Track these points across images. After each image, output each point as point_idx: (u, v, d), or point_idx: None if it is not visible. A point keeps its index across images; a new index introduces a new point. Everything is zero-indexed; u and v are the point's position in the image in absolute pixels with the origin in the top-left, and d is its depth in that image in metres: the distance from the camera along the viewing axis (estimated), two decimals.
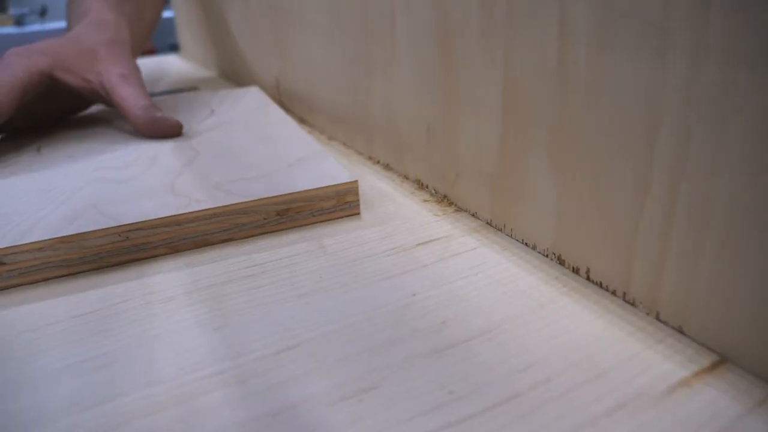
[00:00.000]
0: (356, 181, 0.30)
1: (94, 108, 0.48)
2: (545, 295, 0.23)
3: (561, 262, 0.25)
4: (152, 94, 0.48)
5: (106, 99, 0.41)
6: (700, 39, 0.17)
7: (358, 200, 0.31)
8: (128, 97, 0.40)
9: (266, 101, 0.48)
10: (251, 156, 0.34)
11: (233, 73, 0.67)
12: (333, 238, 0.28)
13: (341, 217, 0.31)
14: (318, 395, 0.18)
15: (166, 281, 0.25)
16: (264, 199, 0.28)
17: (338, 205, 0.30)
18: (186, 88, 0.62)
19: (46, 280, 0.26)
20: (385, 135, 0.36)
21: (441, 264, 0.25)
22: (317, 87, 0.45)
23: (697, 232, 0.18)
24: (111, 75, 0.41)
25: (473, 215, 0.30)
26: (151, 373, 0.20)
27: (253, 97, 0.50)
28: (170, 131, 0.39)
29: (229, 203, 0.28)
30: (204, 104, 0.48)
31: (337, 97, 0.42)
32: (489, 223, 0.29)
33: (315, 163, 0.32)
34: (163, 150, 0.37)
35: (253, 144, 0.37)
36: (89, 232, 0.26)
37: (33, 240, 0.25)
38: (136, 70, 0.43)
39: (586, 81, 0.21)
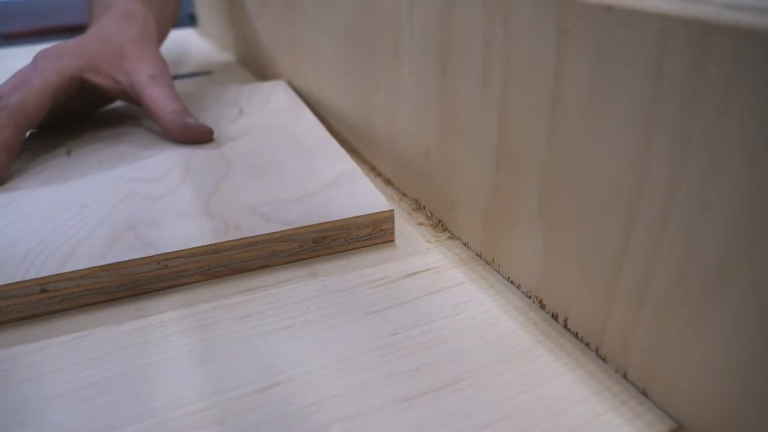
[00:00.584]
0: (392, 210, 0.30)
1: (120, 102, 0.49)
2: (522, 342, 0.24)
3: (542, 306, 0.25)
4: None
5: (135, 100, 0.42)
6: (687, 126, 0.17)
7: (393, 228, 0.31)
8: (159, 99, 0.40)
9: (295, 100, 0.48)
10: (286, 172, 0.35)
11: (250, 60, 0.67)
12: (326, 264, 0.29)
13: (376, 244, 0.31)
14: None
15: (196, 312, 0.27)
16: (302, 228, 0.29)
17: (373, 233, 0.30)
18: (200, 72, 0.63)
19: (86, 306, 0.27)
20: (387, 150, 0.37)
21: (426, 300, 0.26)
22: (325, 91, 0.45)
23: (670, 302, 0.19)
24: (140, 75, 0.41)
25: (465, 245, 0.30)
26: (140, 406, 0.21)
27: (281, 94, 0.50)
28: (202, 138, 0.40)
29: (267, 232, 0.28)
30: (232, 102, 0.48)
31: (344, 105, 0.42)
32: (479, 255, 0.29)
33: (350, 185, 0.33)
34: (194, 159, 0.37)
35: (286, 157, 0.37)
36: (129, 261, 0.26)
37: (75, 269, 0.26)
38: (165, 68, 0.44)
39: (577, 137, 0.21)
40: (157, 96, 0.40)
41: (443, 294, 0.27)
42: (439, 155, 0.30)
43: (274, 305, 0.26)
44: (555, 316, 0.25)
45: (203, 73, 0.63)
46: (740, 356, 0.17)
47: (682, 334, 0.19)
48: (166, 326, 0.25)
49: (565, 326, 0.24)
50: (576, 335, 0.24)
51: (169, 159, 0.38)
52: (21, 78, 0.38)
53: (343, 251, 0.30)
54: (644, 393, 0.21)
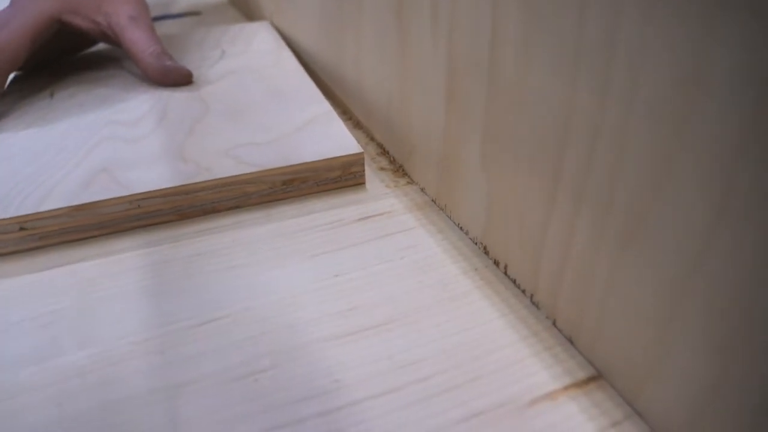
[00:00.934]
0: (362, 153, 0.30)
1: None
2: (460, 287, 0.24)
3: (486, 252, 0.26)
4: (154, 18, 0.48)
5: (115, 41, 0.42)
6: (607, 71, 0.16)
7: (363, 171, 0.31)
8: (138, 41, 0.40)
9: (278, 42, 0.48)
10: (261, 115, 0.35)
11: (239, 0, 0.66)
12: (283, 207, 0.30)
13: (346, 187, 0.31)
14: (218, 373, 0.21)
15: (165, 250, 0.28)
16: (270, 170, 0.29)
17: (343, 175, 0.31)
18: (189, 13, 0.62)
19: (62, 243, 0.28)
20: (356, 94, 0.36)
21: (373, 244, 0.27)
22: (303, 34, 0.45)
23: (593, 251, 0.19)
24: (119, 17, 0.41)
25: (422, 190, 0.30)
26: (89, 335, 0.22)
27: (264, 35, 0.50)
28: (181, 80, 0.40)
29: (237, 173, 0.29)
30: (215, 44, 0.48)
31: (319, 49, 0.42)
32: (434, 201, 0.29)
33: (323, 127, 0.33)
34: (172, 101, 0.38)
35: (263, 99, 0.37)
36: (103, 200, 0.27)
37: (51, 207, 0.27)
38: (145, 9, 0.43)
39: (511, 85, 0.21)
40: (136, 38, 0.40)
41: (392, 238, 0.27)
42: (399, 101, 0.30)
43: (227, 245, 0.27)
44: (497, 263, 0.25)
45: (192, 13, 0.62)
46: (655, 307, 0.17)
47: (604, 285, 0.19)
48: (124, 262, 0.26)
49: (505, 273, 0.24)
50: (515, 282, 0.24)
51: (147, 102, 0.38)
52: (1, 20, 0.38)
53: (313, 193, 0.31)
54: (570, 340, 0.21)
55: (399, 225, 0.28)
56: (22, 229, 0.27)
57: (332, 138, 0.32)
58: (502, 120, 0.22)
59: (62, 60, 0.46)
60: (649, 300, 0.17)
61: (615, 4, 0.15)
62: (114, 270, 0.26)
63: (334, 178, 0.31)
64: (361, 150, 0.31)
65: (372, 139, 0.36)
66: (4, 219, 0.26)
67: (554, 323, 0.22)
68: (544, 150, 0.20)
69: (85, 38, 0.44)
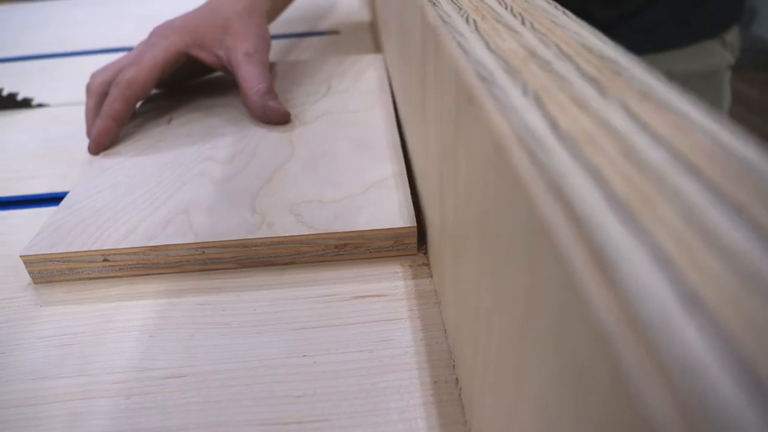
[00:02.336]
0: (414, 227, 0.31)
1: None
2: (408, 399, 0.23)
3: (454, 366, 0.25)
4: (297, 35, 0.51)
5: (232, 74, 0.46)
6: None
7: (414, 243, 0.31)
8: (248, 78, 0.44)
9: (382, 82, 0.49)
10: (337, 167, 0.37)
11: (375, 24, 0.67)
12: (298, 272, 0.31)
13: (398, 256, 0.32)
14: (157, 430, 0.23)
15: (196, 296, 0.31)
16: (324, 234, 0.31)
17: (395, 245, 0.31)
18: (329, 32, 0.65)
19: (138, 276, 0.31)
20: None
21: (353, 328, 0.27)
22: (394, 77, 0.45)
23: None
24: (237, 52, 0.45)
25: (431, 276, 0.30)
26: (82, 365, 0.26)
27: (372, 73, 0.51)
28: (278, 120, 0.43)
29: (293, 234, 0.31)
30: (325, 77, 0.51)
31: (400, 97, 0.42)
32: (435, 292, 0.29)
33: (388, 192, 0.34)
34: (264, 142, 0.41)
35: (345, 149, 0.39)
36: (173, 245, 0.31)
37: (131, 246, 0.31)
38: (263, 45, 0.47)
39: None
40: (248, 74, 0.44)
41: (374, 326, 0.27)
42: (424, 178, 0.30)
43: (231, 300, 0.29)
44: (457, 381, 0.24)
45: (331, 32, 0.65)
46: None
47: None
48: (145, 303, 0.30)
49: (459, 396, 0.23)
50: (462, 410, 0.23)
51: (245, 139, 0.42)
52: (136, 54, 0.45)
53: (366, 258, 0.32)
54: None
55: (389, 312, 0.28)
56: (105, 260, 0.31)
57: (392, 205, 0.32)
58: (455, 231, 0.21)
59: (186, 84, 0.53)
60: None
61: None
62: (140, 308, 0.29)
63: (387, 247, 0.31)
64: (414, 224, 0.31)
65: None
66: (92, 250, 0.30)
67: None
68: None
69: (208, 67, 0.50)
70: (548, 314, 0.12)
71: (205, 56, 0.46)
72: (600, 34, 0.19)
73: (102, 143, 0.41)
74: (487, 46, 0.19)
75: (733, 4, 0.62)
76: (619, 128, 0.13)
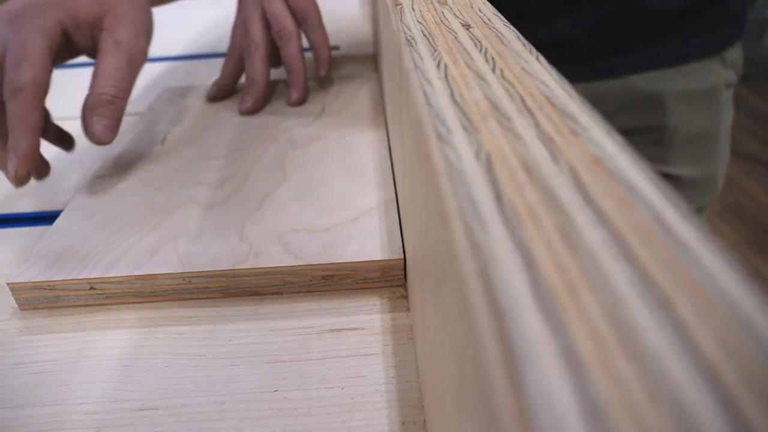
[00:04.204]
0: (401, 259, 0.31)
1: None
2: None
3: (423, 406, 0.24)
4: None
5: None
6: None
7: (401, 275, 0.31)
8: (100, 73, 0.38)
9: (376, 103, 0.49)
10: (328, 194, 0.37)
11: (375, 39, 0.67)
12: (279, 302, 0.31)
13: (385, 287, 0.32)
14: None
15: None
16: (311, 265, 0.31)
17: (383, 277, 0.31)
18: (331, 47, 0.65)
19: (124, 303, 0.31)
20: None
21: (326, 363, 0.27)
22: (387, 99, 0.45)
23: None
24: (108, 36, 0.38)
25: (408, 310, 0.30)
26: (56, 395, 0.26)
27: (366, 93, 0.52)
28: (94, 142, 0.38)
29: (280, 265, 0.31)
30: (320, 98, 0.51)
31: (390, 122, 0.42)
32: (411, 327, 0.29)
33: (378, 221, 0.34)
34: (257, 167, 0.40)
35: (337, 175, 0.39)
36: (159, 274, 0.31)
37: (117, 274, 0.31)
38: (142, 38, 0.40)
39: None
40: (102, 69, 0.38)
41: (346, 361, 0.27)
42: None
43: (207, 330, 0.29)
44: (425, 423, 0.24)
45: (331, 48, 0.65)
46: None
47: None
48: (126, 327, 0.30)
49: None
50: None
51: (237, 162, 0.42)
52: (13, 49, 0.35)
53: (354, 289, 0.31)
54: None
55: (362, 347, 0.28)
56: (92, 288, 0.31)
57: (381, 235, 0.32)
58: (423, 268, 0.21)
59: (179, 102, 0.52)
60: None
61: None
62: (117, 336, 0.30)
63: (374, 279, 0.31)
64: (401, 256, 0.31)
65: None
66: (79, 279, 0.31)
67: None
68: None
69: (75, 52, 0.41)
70: (473, 395, 0.12)
71: (79, 38, 0.39)
72: (567, 84, 0.19)
73: (34, 162, 0.36)
74: (452, 96, 0.19)
75: (733, 23, 0.62)
76: (563, 201, 0.13)
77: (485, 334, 0.10)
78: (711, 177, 0.66)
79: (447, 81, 0.20)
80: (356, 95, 0.51)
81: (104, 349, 0.29)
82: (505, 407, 0.09)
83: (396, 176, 0.37)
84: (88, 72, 0.40)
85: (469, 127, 0.17)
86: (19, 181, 0.36)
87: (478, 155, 0.15)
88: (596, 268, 0.11)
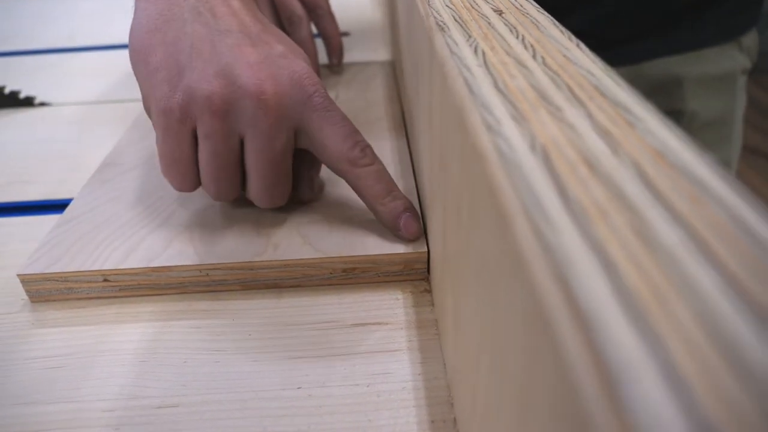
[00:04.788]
0: (425, 252, 0.30)
1: None
2: None
3: (452, 404, 0.24)
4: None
5: None
6: None
7: (425, 268, 0.30)
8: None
9: (390, 91, 0.48)
10: (345, 186, 0.34)
11: (388, 24, 0.66)
12: (298, 296, 0.30)
13: (407, 281, 0.31)
14: None
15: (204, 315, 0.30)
16: (332, 258, 0.30)
17: (405, 270, 0.30)
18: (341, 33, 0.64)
19: (139, 296, 0.30)
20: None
21: (351, 360, 0.26)
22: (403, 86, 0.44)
23: None
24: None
25: (432, 304, 0.29)
26: (71, 391, 0.25)
27: (380, 81, 0.50)
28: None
29: (300, 257, 0.30)
30: (333, 84, 0.50)
31: (410, 111, 0.41)
32: (436, 322, 0.28)
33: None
34: None
35: None
36: (176, 266, 0.30)
37: (132, 266, 0.30)
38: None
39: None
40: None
41: (371, 357, 0.26)
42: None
43: (226, 324, 0.29)
44: (455, 422, 0.23)
45: (341, 34, 0.64)
46: None
47: None
48: (142, 321, 0.29)
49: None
50: None
51: None
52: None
53: (375, 283, 0.31)
54: None
55: (387, 342, 0.27)
56: (105, 280, 0.30)
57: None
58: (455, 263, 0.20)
59: None
60: None
61: None
62: (133, 330, 0.29)
63: (396, 272, 0.30)
64: (425, 249, 0.30)
65: None
66: (92, 270, 0.30)
67: None
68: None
69: None
70: (549, 408, 0.11)
71: None
72: (614, 73, 0.18)
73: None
74: (495, 84, 0.18)
75: (751, 7, 0.61)
76: (632, 198, 0.12)
77: (570, 345, 0.09)
78: (725, 164, 0.66)
79: (487, 68, 0.19)
80: (370, 83, 0.50)
81: (120, 344, 0.28)
82: (602, 425, 0.08)
83: (417, 166, 0.36)
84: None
85: (519, 117, 0.16)
86: None
87: (533, 147, 0.14)
88: (679, 270, 0.10)
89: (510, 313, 0.13)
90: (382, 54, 0.61)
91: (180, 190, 0.32)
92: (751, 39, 0.63)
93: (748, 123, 0.68)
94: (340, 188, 0.35)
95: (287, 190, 0.32)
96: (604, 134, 0.15)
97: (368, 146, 0.32)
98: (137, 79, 0.32)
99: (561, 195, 0.13)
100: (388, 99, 0.47)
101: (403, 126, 0.43)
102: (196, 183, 0.31)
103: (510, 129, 0.15)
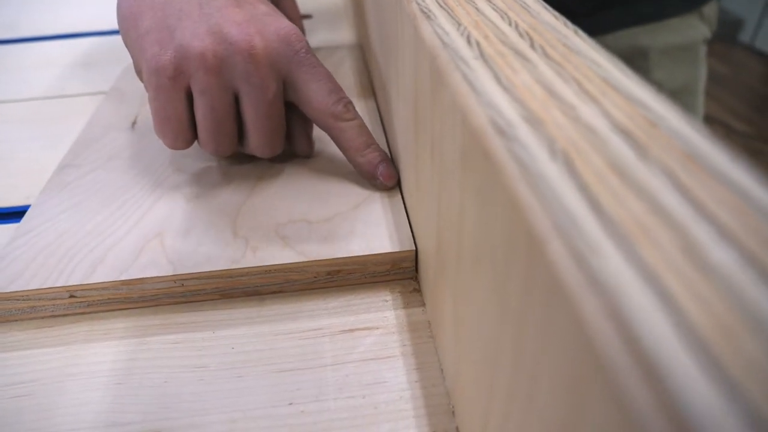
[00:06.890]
0: (413, 250, 0.29)
1: None
2: None
3: (453, 413, 0.23)
4: None
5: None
6: None
7: (413, 267, 0.29)
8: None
9: (360, 76, 0.46)
10: (321, 180, 0.34)
11: (353, 6, 0.64)
12: (281, 302, 0.29)
13: (395, 281, 0.29)
14: None
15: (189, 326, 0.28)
16: (316, 261, 0.28)
17: (392, 270, 0.29)
18: (302, 16, 0.61)
19: (110, 311, 0.28)
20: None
21: (342, 369, 0.25)
22: (373, 68, 0.43)
23: None
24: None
25: (423, 305, 0.28)
26: (41, 421, 0.23)
27: (349, 65, 0.49)
28: None
29: (281, 262, 0.28)
30: None
31: (382, 96, 0.39)
32: (429, 324, 0.27)
33: (378, 209, 0.31)
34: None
35: (327, 158, 0.36)
36: (148, 278, 0.27)
37: (100, 280, 0.27)
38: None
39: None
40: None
41: (364, 366, 0.25)
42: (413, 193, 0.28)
43: (206, 337, 0.27)
44: (458, 430, 0.22)
45: (303, 16, 0.61)
46: None
47: None
48: (115, 339, 0.27)
49: None
50: None
51: None
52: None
53: (361, 284, 0.29)
54: None
55: (380, 348, 0.26)
56: (72, 296, 0.28)
57: (387, 224, 0.30)
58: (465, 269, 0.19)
59: None
60: None
61: None
62: (106, 349, 0.27)
63: (383, 272, 0.29)
64: (413, 247, 0.29)
65: None
66: (56, 287, 0.27)
67: None
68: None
69: None
70: None
71: None
72: (621, 63, 0.17)
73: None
74: (497, 79, 0.17)
75: None
76: (671, 211, 0.11)
77: (636, 394, 0.08)
78: None
79: (485, 61, 0.18)
80: (338, 69, 0.48)
81: (92, 365, 0.26)
82: None
83: (395, 154, 0.34)
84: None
85: (531, 118, 0.15)
86: None
87: (553, 154, 0.13)
88: (742, 301, 0.09)
89: (543, 343, 0.12)
90: (347, 36, 0.59)
91: (173, 148, 0.33)
92: (711, 8, 0.64)
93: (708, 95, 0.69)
94: (314, 181, 0.34)
95: (283, 138, 0.34)
96: (626, 136, 0.14)
97: (350, 102, 0.33)
98: (127, 45, 0.33)
99: (595, 210, 0.11)
100: (359, 86, 0.45)
101: (378, 114, 0.41)
102: (189, 140, 0.33)
103: (524, 132, 0.14)
